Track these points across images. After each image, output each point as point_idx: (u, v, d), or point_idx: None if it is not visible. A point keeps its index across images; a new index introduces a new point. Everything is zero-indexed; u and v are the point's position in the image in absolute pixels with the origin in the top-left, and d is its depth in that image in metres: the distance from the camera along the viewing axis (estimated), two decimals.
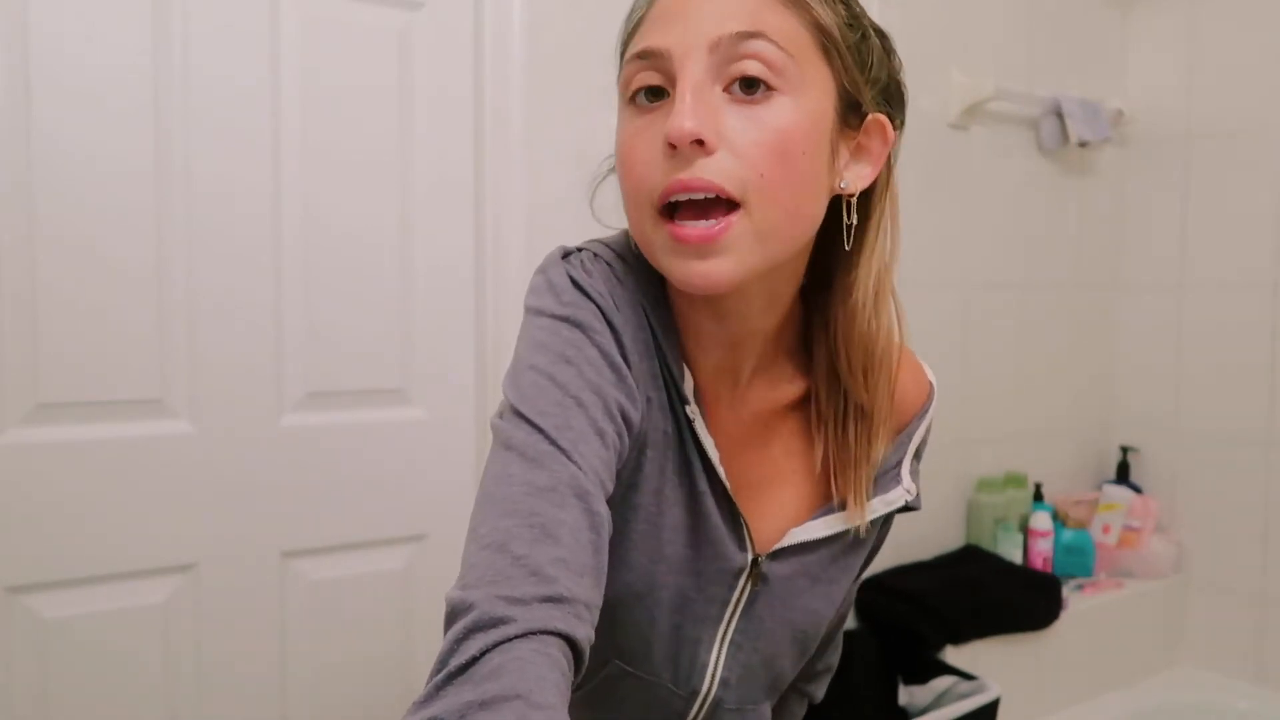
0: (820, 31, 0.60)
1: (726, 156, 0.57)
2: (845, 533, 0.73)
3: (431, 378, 1.49)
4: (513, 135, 1.48)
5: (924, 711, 1.72)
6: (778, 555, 0.72)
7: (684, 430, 0.68)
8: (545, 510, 0.54)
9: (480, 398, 1.52)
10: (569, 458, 0.56)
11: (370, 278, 1.42)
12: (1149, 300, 2.41)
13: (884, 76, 0.66)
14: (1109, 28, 2.38)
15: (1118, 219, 2.44)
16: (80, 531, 1.23)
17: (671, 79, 0.59)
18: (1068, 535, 2.21)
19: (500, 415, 0.61)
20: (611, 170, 0.70)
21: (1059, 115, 2.18)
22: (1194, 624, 2.31)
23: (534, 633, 0.50)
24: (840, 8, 0.62)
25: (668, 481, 0.68)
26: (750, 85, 0.58)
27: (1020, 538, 2.13)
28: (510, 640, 0.49)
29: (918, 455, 0.78)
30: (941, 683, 1.79)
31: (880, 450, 0.72)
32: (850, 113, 0.63)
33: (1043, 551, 2.14)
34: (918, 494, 0.77)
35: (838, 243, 0.66)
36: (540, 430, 0.57)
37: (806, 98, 0.60)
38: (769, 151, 0.58)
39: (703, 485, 0.68)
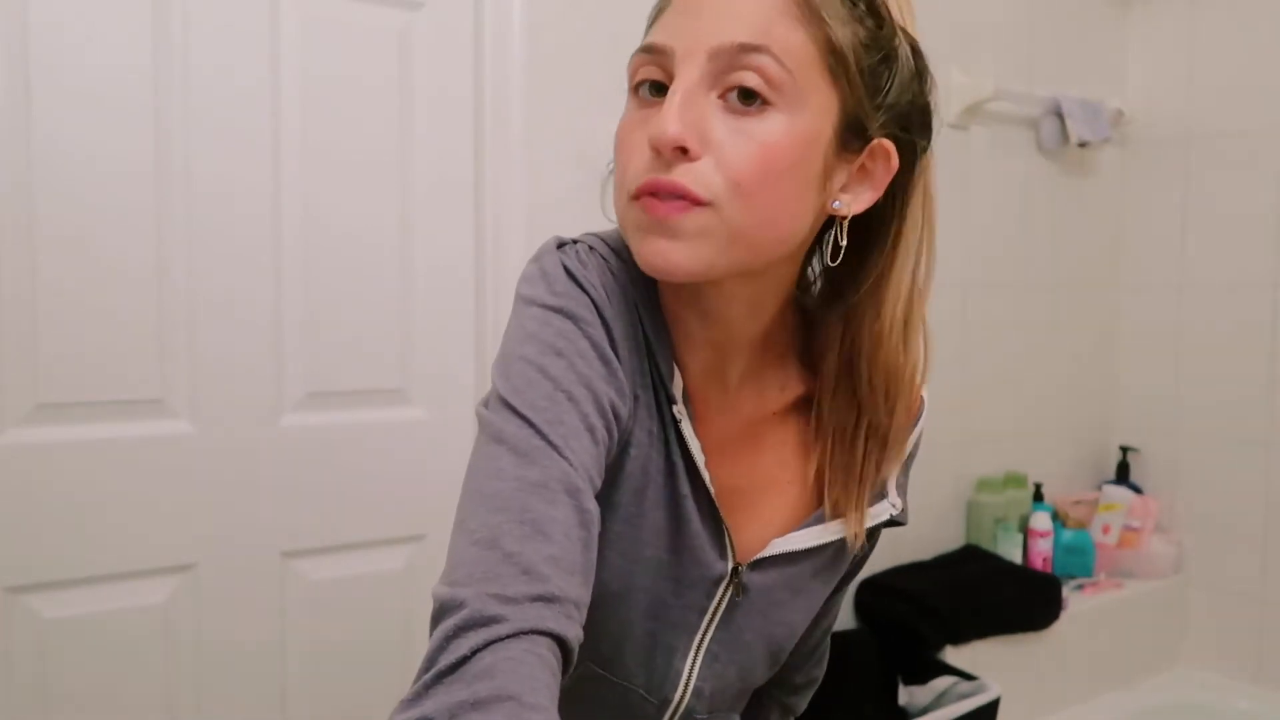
0: (831, 51, 0.59)
1: (708, 165, 0.57)
2: (828, 545, 0.72)
3: (431, 378, 1.49)
4: (513, 135, 1.48)
5: (924, 711, 1.73)
6: (759, 565, 0.71)
7: (669, 430, 0.67)
8: (537, 506, 0.54)
9: (480, 397, 1.51)
10: (560, 453, 0.56)
11: (370, 278, 1.42)
12: (1149, 300, 2.41)
13: (903, 101, 0.64)
14: (1109, 28, 2.38)
15: (1118, 219, 2.44)
16: (80, 531, 1.23)
17: (671, 76, 0.59)
18: (1068, 535, 2.21)
19: (487, 404, 0.60)
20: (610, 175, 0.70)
21: (1059, 115, 2.18)
22: (1194, 624, 2.31)
23: (525, 632, 0.49)
24: (860, 28, 0.60)
25: (650, 482, 0.67)
26: (746, 97, 0.57)
27: (1020, 538, 2.13)
28: (502, 640, 0.48)
29: (904, 470, 0.77)
30: (941, 683, 1.79)
31: (891, 471, 0.71)
32: (852, 136, 0.62)
33: (1043, 551, 2.14)
34: (904, 509, 0.76)
35: (853, 256, 0.65)
36: (531, 424, 0.57)
37: (802, 116, 0.59)
38: (752, 164, 0.57)
39: (685, 489, 0.67)
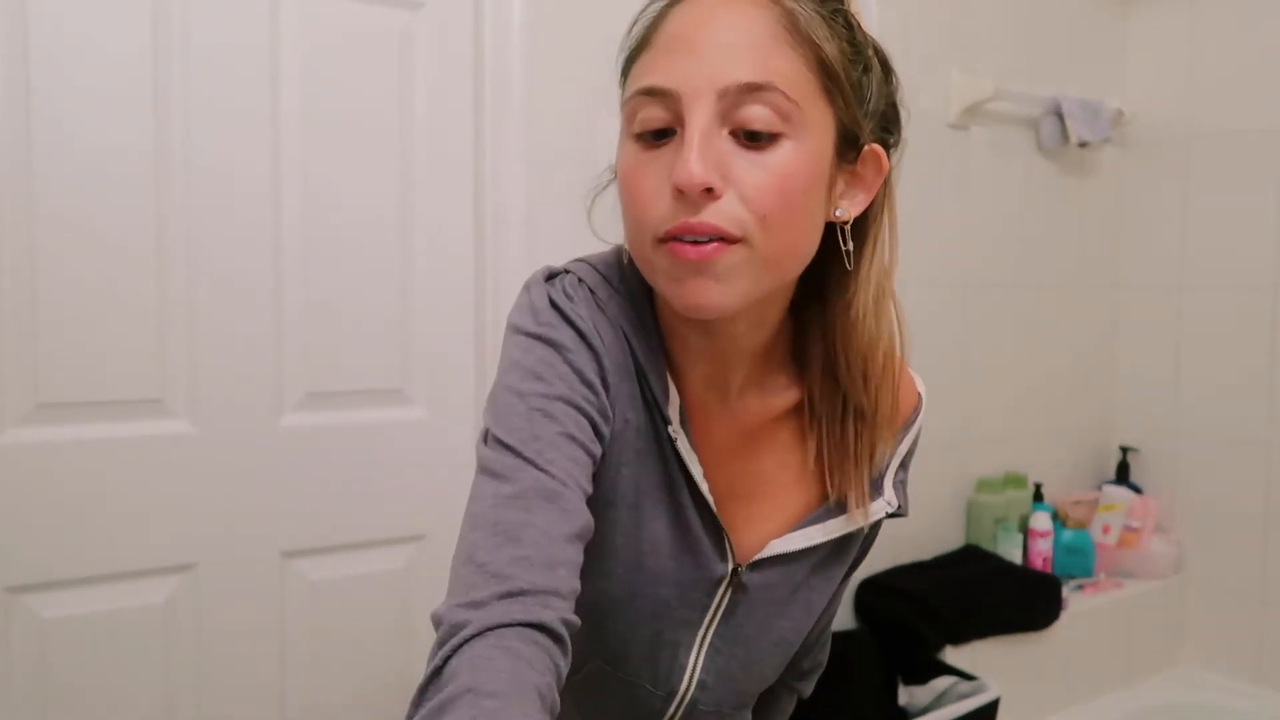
0: (824, 71, 0.61)
1: (732, 200, 0.59)
2: (825, 543, 0.74)
3: (431, 378, 1.49)
4: (512, 135, 1.48)
5: (924, 711, 1.73)
6: (757, 566, 0.73)
7: (666, 449, 0.69)
8: (510, 517, 0.57)
9: (480, 398, 1.52)
10: (535, 465, 0.59)
11: (370, 279, 1.42)
12: (1149, 300, 2.41)
13: (882, 104, 0.67)
14: (1109, 28, 2.38)
15: (1118, 219, 2.44)
16: (80, 531, 1.23)
17: (679, 118, 0.60)
18: (1068, 535, 2.21)
19: (483, 439, 0.63)
20: (610, 182, 0.71)
21: (1059, 115, 2.18)
22: (1194, 624, 2.31)
23: (491, 628, 0.52)
24: (844, 41, 0.63)
25: (646, 497, 0.69)
26: (756, 133, 0.59)
27: (1020, 538, 2.13)
28: (468, 641, 0.51)
29: (904, 465, 0.79)
30: (941, 683, 1.79)
31: (882, 450, 0.73)
32: (848, 147, 0.64)
33: (1043, 551, 2.14)
34: (903, 504, 0.78)
35: (830, 260, 0.67)
36: (509, 447, 0.60)
37: (808, 140, 0.61)
38: (772, 194, 0.59)
39: (685, 499, 0.70)
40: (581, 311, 0.66)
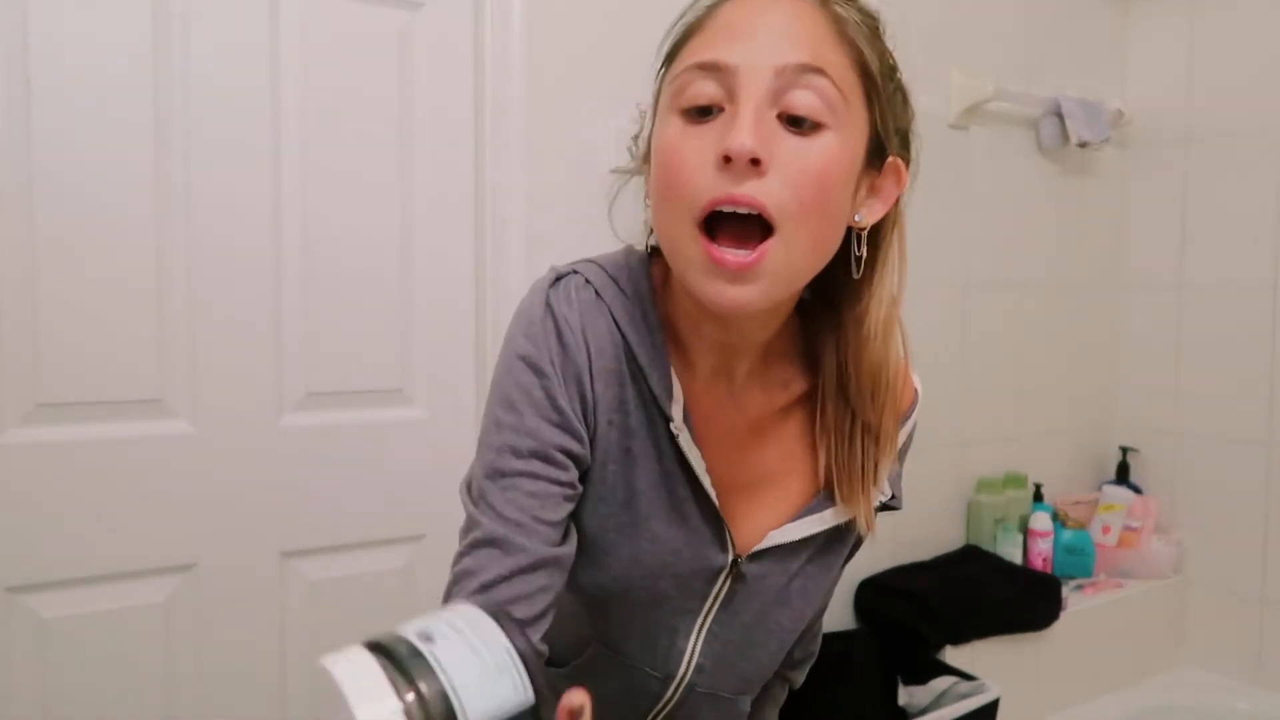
0: (866, 75, 0.64)
1: (775, 180, 0.60)
2: (820, 534, 0.76)
3: (431, 378, 1.49)
4: (513, 135, 1.48)
5: (924, 711, 1.72)
6: (756, 557, 0.74)
7: (664, 445, 0.71)
8: (468, 564, 0.66)
9: (480, 398, 1.52)
10: (493, 509, 0.66)
11: (370, 277, 1.42)
12: (1149, 300, 2.40)
13: (905, 123, 0.69)
14: (1109, 28, 2.38)
15: (1118, 219, 2.44)
16: (80, 531, 1.23)
17: (731, 94, 0.61)
18: (1067, 535, 2.21)
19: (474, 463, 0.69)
20: (625, 180, 0.73)
21: (1059, 115, 2.18)
22: (1194, 624, 2.31)
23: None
24: (884, 55, 0.65)
25: (640, 495, 0.71)
26: (802, 119, 0.61)
27: (1020, 538, 2.13)
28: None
29: (899, 458, 0.80)
30: (941, 683, 1.79)
31: (886, 465, 0.75)
32: (875, 154, 0.66)
33: (1042, 552, 2.14)
34: (897, 495, 0.80)
35: (841, 266, 0.69)
36: (470, 492, 0.68)
37: (848, 136, 0.62)
38: (812, 182, 0.60)
39: (684, 492, 0.72)
40: (574, 321, 0.68)
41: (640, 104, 1.53)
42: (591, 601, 0.73)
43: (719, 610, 0.75)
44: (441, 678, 0.37)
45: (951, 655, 1.86)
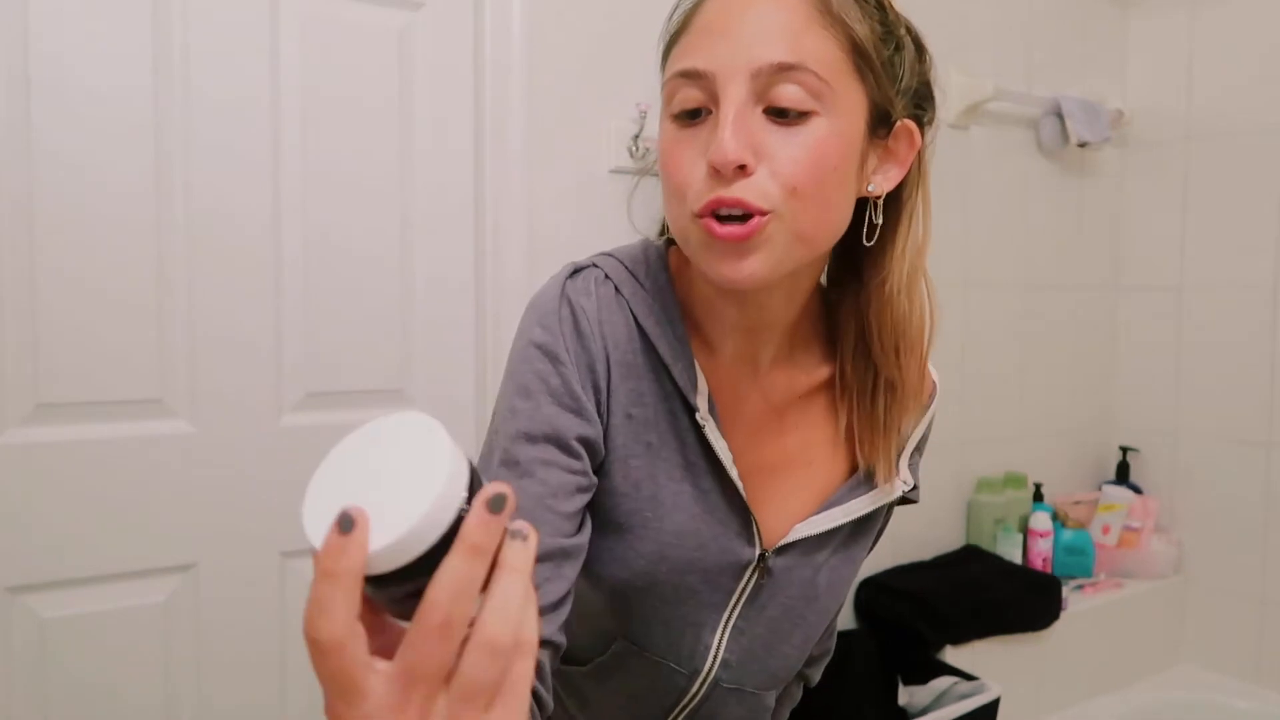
0: (856, 51, 0.63)
1: (764, 175, 0.61)
2: (846, 524, 0.76)
3: (431, 378, 1.49)
4: (513, 136, 1.48)
5: (924, 711, 1.72)
6: (783, 550, 0.74)
7: (687, 437, 0.70)
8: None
9: (480, 397, 1.52)
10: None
11: (370, 277, 1.42)
12: (1149, 300, 2.41)
13: (915, 82, 0.69)
14: (1109, 28, 2.38)
15: (1118, 219, 2.44)
16: (80, 531, 1.23)
17: (713, 98, 0.62)
18: (1067, 535, 2.21)
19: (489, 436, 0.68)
20: (643, 174, 0.73)
21: (1059, 115, 2.18)
22: (1194, 624, 2.31)
23: None
24: (876, 22, 0.64)
25: (664, 489, 0.70)
26: (788, 111, 0.61)
27: (1020, 538, 2.13)
28: None
29: (919, 449, 0.81)
30: (941, 683, 1.79)
31: (910, 422, 0.75)
32: (880, 124, 0.66)
33: (1043, 552, 2.14)
34: (916, 486, 0.80)
35: (862, 236, 0.69)
36: (495, 460, 0.67)
37: (840, 118, 0.62)
38: (804, 169, 0.61)
39: (709, 484, 0.71)
40: (591, 313, 0.68)
41: (640, 104, 1.53)
42: (615, 597, 0.72)
43: (745, 605, 0.75)
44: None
45: (951, 655, 1.86)
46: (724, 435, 0.70)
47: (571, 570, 0.66)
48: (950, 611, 1.87)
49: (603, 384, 0.68)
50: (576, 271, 0.71)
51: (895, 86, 0.66)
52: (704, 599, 0.73)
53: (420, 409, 1.54)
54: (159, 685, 1.30)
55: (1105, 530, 2.28)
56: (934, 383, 0.81)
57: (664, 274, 0.72)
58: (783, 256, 0.62)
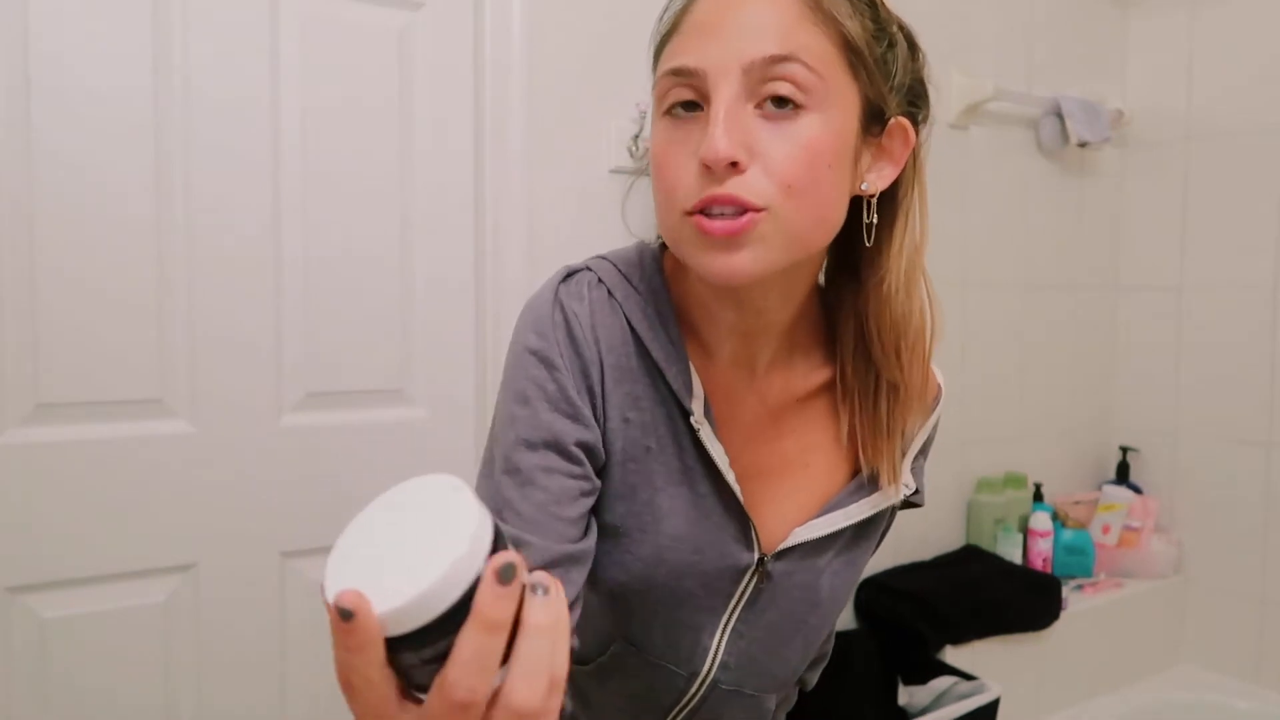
0: (848, 47, 0.63)
1: (757, 172, 0.60)
2: (848, 528, 0.75)
3: (431, 378, 1.49)
4: (513, 135, 1.48)
5: (924, 711, 1.72)
6: (782, 555, 0.73)
7: (684, 441, 0.70)
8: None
9: (480, 397, 1.52)
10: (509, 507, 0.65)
11: (370, 277, 1.42)
12: (1149, 300, 2.41)
13: (908, 79, 0.68)
14: (1109, 28, 2.38)
15: (1118, 219, 2.44)
16: (80, 531, 1.23)
17: (705, 96, 0.61)
18: (1067, 535, 2.21)
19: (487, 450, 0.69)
20: (636, 176, 0.73)
21: (1059, 115, 2.18)
22: (1194, 624, 2.31)
23: None
24: (867, 19, 0.64)
25: (661, 493, 0.70)
26: (781, 104, 0.61)
27: (1020, 538, 2.13)
28: None
29: (923, 453, 0.80)
30: (941, 683, 1.79)
31: (913, 423, 0.74)
32: (873, 120, 0.66)
33: (1043, 552, 2.14)
34: (920, 490, 0.79)
35: (859, 236, 0.68)
36: (492, 472, 0.67)
37: (833, 113, 0.62)
38: (797, 165, 0.60)
39: (705, 489, 0.71)
40: (584, 318, 0.68)
41: (640, 104, 1.53)
42: (614, 599, 0.72)
43: (744, 609, 0.74)
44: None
45: (951, 655, 1.86)
46: (721, 439, 0.70)
47: (579, 575, 0.66)
48: (950, 611, 1.87)
49: (597, 389, 0.68)
50: (570, 275, 0.71)
51: (888, 83, 0.66)
52: (702, 602, 0.73)
53: (420, 409, 1.54)
54: (159, 685, 1.30)
55: (1105, 530, 2.28)
56: (939, 386, 0.80)
57: (659, 277, 0.71)
58: (776, 254, 0.62)
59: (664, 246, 0.74)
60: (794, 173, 0.60)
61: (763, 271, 0.62)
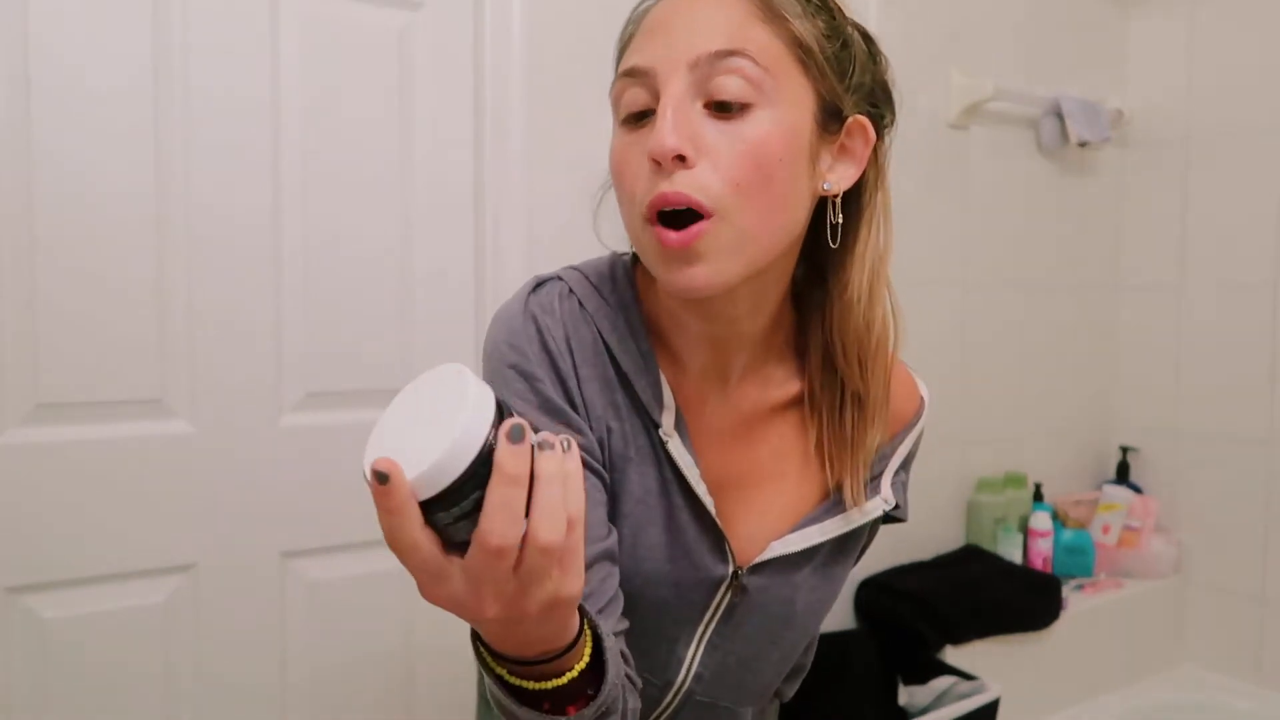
0: (798, 46, 0.62)
1: (706, 169, 0.60)
2: (825, 543, 0.74)
3: None
4: (513, 135, 1.48)
5: (924, 711, 1.72)
6: (758, 569, 0.73)
7: (659, 452, 0.70)
8: None
9: None
10: None
11: (370, 277, 1.42)
12: (1149, 300, 2.41)
13: (868, 80, 0.67)
14: (1109, 28, 2.38)
15: (1118, 219, 2.44)
16: (80, 531, 1.23)
17: (656, 96, 0.61)
18: (1068, 535, 2.21)
19: None
20: (609, 186, 0.73)
21: (1059, 115, 2.18)
22: (1194, 624, 2.31)
23: None
24: (819, 21, 0.64)
25: (640, 503, 0.70)
26: (728, 103, 0.60)
27: (1020, 538, 2.13)
28: None
29: (905, 467, 0.79)
30: (941, 683, 1.79)
31: (875, 436, 0.73)
32: (830, 119, 0.65)
33: (1043, 551, 2.14)
34: (901, 505, 0.78)
35: (825, 238, 0.68)
36: None
37: (783, 110, 0.62)
38: (746, 162, 0.60)
39: (679, 501, 0.70)
40: (557, 331, 0.68)
41: None
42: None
43: (720, 622, 0.74)
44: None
45: (951, 655, 1.86)
46: (693, 450, 0.70)
47: (617, 570, 0.66)
48: (950, 611, 1.87)
49: (578, 399, 0.68)
50: (539, 285, 0.71)
51: (845, 82, 0.65)
52: (678, 613, 0.73)
53: None
54: (159, 685, 1.30)
55: (1105, 530, 2.28)
56: (922, 399, 0.79)
57: (630, 290, 0.71)
58: (733, 261, 0.61)
59: (636, 257, 0.74)
60: (743, 170, 0.60)
61: (723, 282, 0.61)
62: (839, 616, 1.93)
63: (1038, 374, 2.30)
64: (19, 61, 1.17)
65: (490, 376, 0.68)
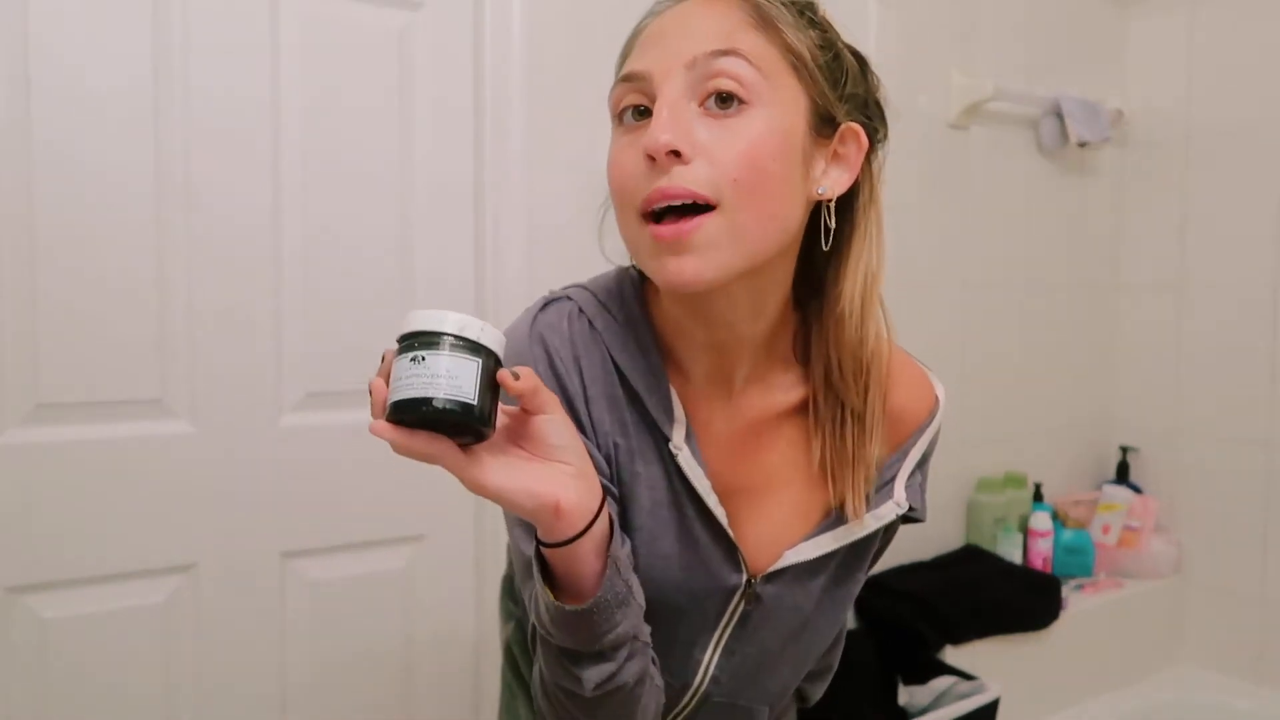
0: (791, 52, 0.64)
1: (702, 164, 0.61)
2: (839, 549, 0.75)
3: None
4: (513, 137, 1.48)
5: (924, 711, 1.72)
6: (772, 577, 0.74)
7: (670, 465, 0.71)
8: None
9: None
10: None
11: (370, 277, 1.42)
12: (1149, 300, 2.41)
13: (860, 93, 0.69)
14: (1109, 28, 2.38)
15: (1118, 219, 2.44)
16: (80, 531, 1.23)
17: (653, 98, 0.63)
18: (1067, 535, 2.21)
19: None
20: (609, 207, 0.74)
21: (1059, 115, 2.18)
22: (1194, 624, 2.31)
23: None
24: (812, 33, 0.66)
25: (651, 516, 0.71)
26: (724, 100, 0.62)
27: (1020, 538, 2.13)
28: None
29: (920, 468, 0.80)
30: (941, 683, 1.79)
31: (873, 451, 0.73)
32: (823, 124, 0.66)
33: (1042, 551, 2.14)
34: (917, 507, 0.79)
35: (819, 244, 0.69)
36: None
37: (777, 110, 0.63)
38: (741, 158, 0.61)
39: (690, 512, 0.71)
40: (564, 351, 0.69)
41: None
42: None
43: (735, 628, 0.75)
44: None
45: (951, 655, 1.86)
46: (703, 460, 0.70)
47: (633, 578, 0.67)
48: (950, 611, 1.87)
49: (585, 419, 0.69)
50: (547, 305, 0.72)
51: (837, 91, 0.66)
52: (693, 621, 0.74)
53: None
54: (159, 685, 1.30)
55: (1105, 530, 2.28)
56: (937, 398, 0.80)
57: (637, 306, 0.72)
58: (726, 256, 0.62)
59: (643, 274, 0.75)
60: (739, 166, 0.61)
61: (715, 274, 0.62)
62: (841, 630, 1.93)
63: (1038, 374, 2.30)
64: (19, 61, 1.17)
65: None
